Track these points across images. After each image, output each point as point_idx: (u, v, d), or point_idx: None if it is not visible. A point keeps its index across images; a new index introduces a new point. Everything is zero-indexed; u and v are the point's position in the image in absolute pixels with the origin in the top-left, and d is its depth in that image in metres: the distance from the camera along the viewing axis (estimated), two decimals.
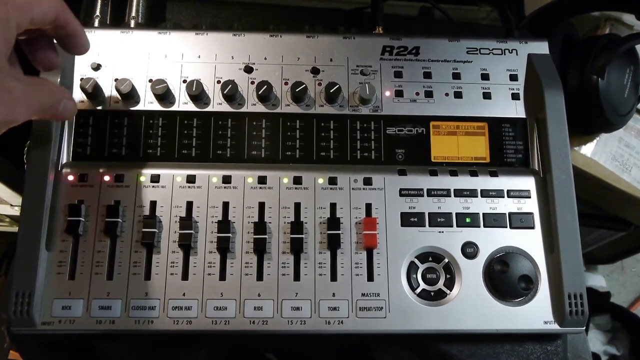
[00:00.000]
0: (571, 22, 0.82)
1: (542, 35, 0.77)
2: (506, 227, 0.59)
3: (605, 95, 0.72)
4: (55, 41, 0.51)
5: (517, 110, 0.63)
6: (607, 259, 1.56)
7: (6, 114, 0.43)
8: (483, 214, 0.59)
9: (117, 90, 0.59)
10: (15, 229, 1.35)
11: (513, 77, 0.64)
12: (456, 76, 0.63)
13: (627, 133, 0.83)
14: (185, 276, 0.55)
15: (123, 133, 0.59)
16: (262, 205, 0.58)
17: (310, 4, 0.83)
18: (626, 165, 0.82)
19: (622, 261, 1.71)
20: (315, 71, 0.62)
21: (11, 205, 1.19)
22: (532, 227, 0.59)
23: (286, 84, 0.62)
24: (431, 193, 0.59)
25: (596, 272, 1.75)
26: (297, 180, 0.59)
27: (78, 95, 0.59)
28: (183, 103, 0.60)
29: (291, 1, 0.81)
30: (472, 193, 0.59)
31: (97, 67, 0.61)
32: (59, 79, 0.57)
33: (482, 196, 0.59)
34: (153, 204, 0.57)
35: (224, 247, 0.56)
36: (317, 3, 0.84)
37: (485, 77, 0.64)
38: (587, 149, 0.79)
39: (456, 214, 0.59)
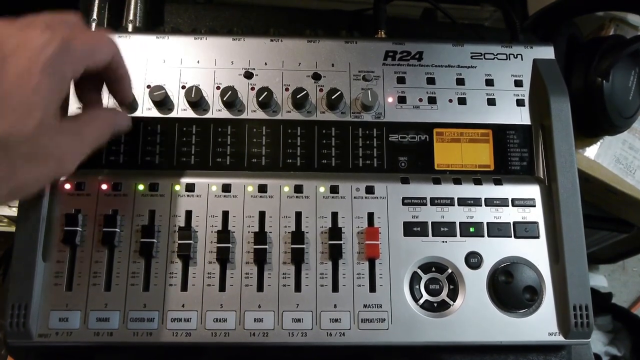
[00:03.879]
0: (575, 22, 0.81)
1: (545, 35, 0.76)
2: (511, 236, 0.58)
3: (609, 97, 0.71)
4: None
5: (522, 117, 0.62)
6: (609, 259, 1.56)
7: (56, 169, 0.43)
8: (487, 223, 0.58)
9: None
10: (13, 228, 1.34)
11: (518, 83, 0.63)
12: (460, 82, 0.62)
13: (631, 135, 0.82)
14: (184, 287, 0.54)
15: (120, 140, 0.58)
16: (262, 215, 0.57)
17: (311, 4, 0.82)
18: (630, 167, 0.81)
19: (624, 261, 1.71)
20: (316, 77, 0.61)
21: (9, 206, 1.18)
22: (537, 237, 0.58)
23: (287, 90, 0.61)
24: (434, 202, 0.58)
25: (597, 272, 1.75)
26: (298, 189, 0.58)
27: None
28: (182, 110, 0.59)
29: (291, 3, 0.80)
30: (476, 202, 0.58)
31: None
32: None
33: (486, 205, 0.58)
34: (151, 213, 0.56)
35: (223, 258, 0.55)
36: (318, 4, 0.83)
37: (489, 83, 0.62)
38: (591, 152, 0.79)
39: (460, 223, 0.58)
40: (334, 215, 0.57)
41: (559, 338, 0.55)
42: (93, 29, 0.65)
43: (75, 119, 0.46)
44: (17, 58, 0.38)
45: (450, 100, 0.62)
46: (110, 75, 0.50)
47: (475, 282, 0.56)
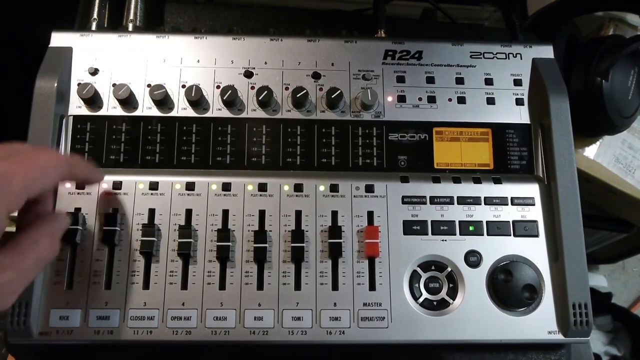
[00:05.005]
0: (575, 22, 0.81)
1: (545, 35, 0.77)
2: (510, 235, 0.58)
3: (609, 97, 0.71)
4: None
5: (521, 116, 0.62)
6: (609, 259, 1.55)
7: None
8: (487, 221, 0.58)
9: (115, 96, 0.58)
10: (13, 228, 1.34)
11: (517, 82, 0.63)
12: (459, 81, 0.62)
13: (630, 135, 0.82)
14: (184, 285, 0.55)
15: (121, 139, 0.58)
16: (262, 213, 0.57)
17: (311, 4, 0.82)
18: (630, 167, 0.81)
19: (624, 261, 1.71)
20: (316, 76, 0.62)
21: None
22: (536, 235, 0.58)
23: (287, 89, 0.61)
24: (434, 200, 0.58)
25: (597, 272, 1.75)
26: (298, 188, 0.58)
27: (75, 100, 0.58)
28: (182, 109, 0.60)
29: (291, 2, 0.80)
30: (475, 200, 0.59)
31: (94, 72, 0.60)
32: (55, 84, 0.56)
33: (485, 204, 0.59)
34: (152, 212, 0.56)
35: (223, 256, 0.55)
36: (318, 4, 0.83)
37: (489, 82, 0.63)
38: (590, 151, 0.79)
39: (459, 221, 0.58)
40: (334, 214, 0.57)
41: (559, 336, 0.55)
42: (93, 28, 0.65)
43: (15, 249, 0.41)
44: None
45: (450, 100, 0.62)
46: (69, 181, 0.50)
47: (475, 281, 0.56)
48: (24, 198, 0.40)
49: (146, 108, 0.59)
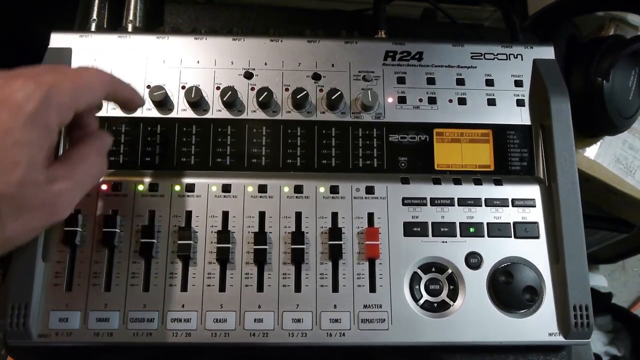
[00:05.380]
0: (575, 22, 0.81)
1: (545, 35, 0.76)
2: (511, 236, 0.58)
3: (609, 97, 0.71)
4: None
5: (522, 117, 0.62)
6: (609, 259, 1.56)
7: (49, 218, 0.42)
8: (487, 223, 0.58)
9: None
10: None
11: (518, 83, 0.63)
12: (460, 82, 0.62)
13: (631, 135, 0.82)
14: (184, 287, 0.54)
15: (120, 141, 0.58)
16: (262, 215, 0.57)
17: (311, 4, 0.82)
18: (630, 167, 0.81)
19: (624, 261, 1.71)
20: (316, 77, 0.61)
21: None
22: (537, 237, 0.58)
23: (287, 90, 0.61)
24: (434, 202, 0.58)
25: (597, 272, 1.75)
26: (298, 189, 0.58)
27: None
28: (182, 110, 0.59)
29: (291, 3, 0.79)
30: (476, 202, 0.58)
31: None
32: None
33: (486, 205, 0.58)
34: (151, 213, 0.56)
35: (223, 258, 0.55)
36: (318, 4, 0.83)
37: (489, 83, 0.62)
38: (591, 152, 0.79)
39: (460, 223, 0.58)
40: (334, 216, 0.57)
41: (559, 338, 0.55)
42: (93, 28, 0.65)
43: (67, 162, 0.44)
44: None
45: (450, 101, 0.62)
46: (113, 101, 0.50)
47: (475, 283, 0.56)
48: (73, 110, 0.42)
49: (146, 109, 0.59)
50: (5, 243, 0.41)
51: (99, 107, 0.53)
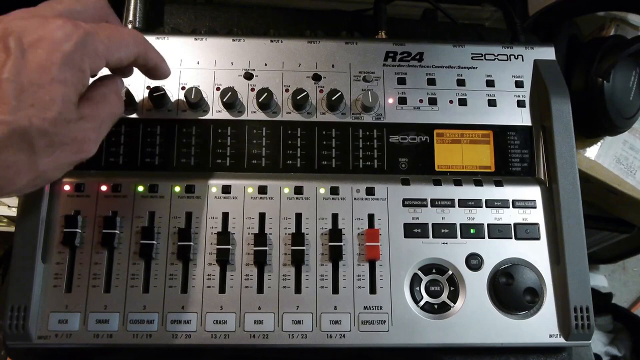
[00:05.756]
0: (576, 22, 0.81)
1: (545, 35, 0.76)
2: (511, 238, 0.58)
3: (610, 98, 0.71)
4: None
5: (522, 117, 0.62)
6: (609, 259, 1.55)
7: (77, 155, 0.44)
8: (488, 224, 0.58)
9: None
10: (13, 228, 1.34)
11: (519, 84, 0.63)
12: (461, 83, 0.62)
13: (631, 135, 0.82)
14: (184, 289, 0.54)
15: (120, 142, 0.58)
16: (262, 216, 0.57)
17: (311, 5, 0.82)
18: (631, 168, 0.81)
19: (624, 261, 1.71)
20: (316, 78, 0.61)
21: (8, 206, 1.18)
22: (538, 238, 0.58)
23: (287, 90, 0.61)
24: (435, 203, 0.58)
25: (598, 272, 1.75)
26: (298, 190, 0.57)
27: None
28: (181, 111, 0.59)
29: (291, 3, 0.79)
30: (476, 203, 0.58)
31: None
32: None
33: (486, 206, 0.58)
34: (151, 214, 0.56)
35: (223, 260, 0.55)
36: (318, 4, 0.82)
37: (490, 83, 0.62)
38: (591, 152, 0.78)
39: (460, 224, 0.58)
40: (334, 217, 0.57)
41: (560, 340, 0.55)
42: None
43: (90, 101, 0.45)
44: (36, 50, 0.39)
45: (451, 101, 0.62)
46: (139, 66, 0.50)
47: (476, 284, 0.56)
48: (104, 61, 0.44)
49: (145, 110, 0.59)
50: (37, 178, 0.42)
51: (130, 72, 0.53)
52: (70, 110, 0.41)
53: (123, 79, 0.52)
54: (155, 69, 0.51)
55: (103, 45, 0.43)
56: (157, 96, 0.58)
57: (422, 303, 0.56)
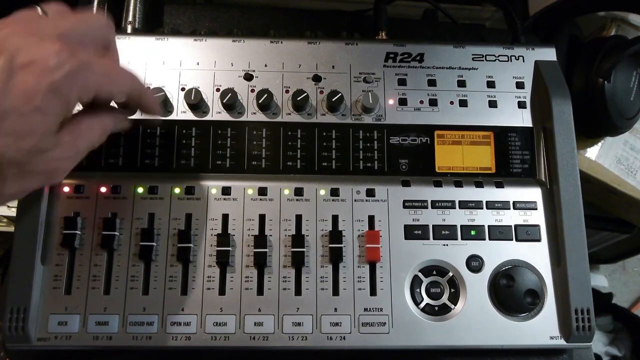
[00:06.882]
0: (576, 22, 0.80)
1: (546, 35, 0.76)
2: (512, 239, 0.57)
3: (611, 98, 0.71)
4: None
5: (523, 119, 0.62)
6: (610, 259, 1.55)
7: (45, 181, 0.44)
8: (488, 226, 0.58)
9: None
10: (13, 228, 1.34)
11: (519, 85, 0.62)
12: (461, 84, 0.62)
13: (632, 136, 0.82)
14: (184, 291, 0.54)
15: (119, 143, 0.58)
16: (262, 218, 0.56)
17: (311, 5, 0.82)
18: (631, 168, 0.80)
19: (624, 261, 1.71)
20: (316, 79, 0.61)
21: (8, 206, 1.18)
22: (539, 240, 0.58)
23: (287, 92, 0.60)
24: (435, 205, 0.58)
25: (598, 271, 1.74)
26: (299, 192, 0.57)
27: None
28: (181, 112, 0.59)
29: (291, 3, 0.79)
30: (477, 205, 0.58)
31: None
32: None
33: (487, 208, 0.58)
34: (151, 216, 0.56)
35: (223, 261, 0.54)
36: (318, 5, 0.82)
37: (491, 84, 0.62)
38: (592, 152, 0.78)
39: (461, 226, 0.57)
40: (335, 218, 0.57)
41: (561, 342, 0.55)
42: None
43: (72, 130, 0.43)
44: (25, 75, 0.38)
45: (452, 102, 0.61)
46: (130, 103, 0.49)
47: (477, 286, 0.56)
48: (93, 94, 0.42)
49: None
50: (0, 200, 0.42)
51: (132, 111, 0.52)
52: (48, 141, 0.41)
53: (118, 114, 0.50)
54: (146, 110, 0.51)
55: (95, 81, 0.42)
56: (156, 97, 0.57)
57: (422, 305, 0.55)
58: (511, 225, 0.58)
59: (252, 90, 0.60)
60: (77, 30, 0.42)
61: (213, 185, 0.57)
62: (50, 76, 0.38)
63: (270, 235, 0.56)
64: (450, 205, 0.58)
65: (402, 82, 0.62)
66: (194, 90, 0.58)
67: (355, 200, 0.58)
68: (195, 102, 0.58)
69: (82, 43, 0.42)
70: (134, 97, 0.47)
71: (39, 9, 0.44)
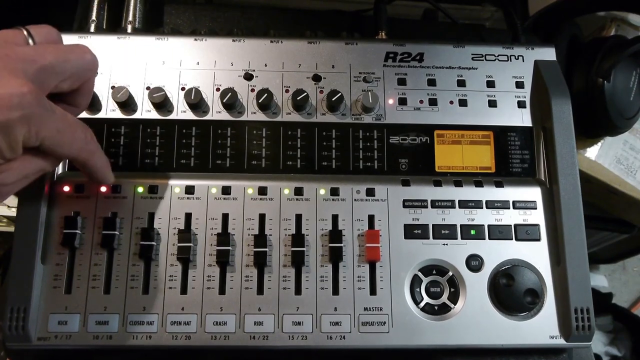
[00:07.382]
0: (576, 22, 0.80)
1: (546, 35, 0.76)
2: (512, 239, 0.57)
3: (611, 98, 0.71)
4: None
5: (523, 118, 0.62)
6: (609, 259, 1.55)
7: None
8: (488, 225, 0.58)
9: (114, 98, 0.57)
10: (13, 228, 1.34)
11: (519, 85, 0.62)
12: (461, 83, 0.62)
13: (632, 136, 0.82)
14: (184, 290, 0.54)
15: (120, 142, 0.58)
16: (262, 217, 0.56)
17: (311, 5, 0.82)
18: (631, 168, 0.81)
19: (624, 261, 1.71)
20: (316, 78, 0.61)
21: (8, 206, 1.18)
22: (538, 239, 0.58)
23: (287, 91, 0.60)
24: (435, 204, 0.58)
25: (598, 271, 1.74)
26: (298, 191, 0.57)
27: None
28: (181, 111, 0.59)
29: (291, 3, 0.79)
30: (477, 204, 0.58)
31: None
32: None
33: (487, 207, 0.58)
34: (151, 215, 0.56)
35: (223, 261, 0.54)
36: (318, 5, 0.82)
37: (490, 84, 0.62)
38: (592, 152, 0.78)
39: (461, 225, 0.57)
40: (335, 218, 0.57)
41: (560, 341, 0.55)
42: (92, 29, 0.64)
43: (22, 157, 0.43)
44: None
45: (451, 102, 0.61)
46: (77, 165, 0.49)
47: (476, 285, 0.56)
48: (38, 144, 0.41)
49: (145, 111, 0.59)
50: None
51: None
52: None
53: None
54: (93, 173, 0.50)
55: (45, 135, 0.41)
56: (157, 97, 0.57)
57: (422, 304, 0.56)
58: (511, 225, 0.58)
59: (252, 90, 0.60)
60: (56, 66, 0.42)
61: (213, 185, 0.57)
62: (7, 114, 0.38)
63: (270, 235, 0.56)
64: (450, 204, 0.58)
65: (401, 82, 0.62)
66: (194, 89, 0.58)
67: (355, 200, 0.58)
68: (195, 101, 0.58)
69: (58, 78, 0.42)
70: (79, 160, 0.47)
71: (25, 32, 0.43)
